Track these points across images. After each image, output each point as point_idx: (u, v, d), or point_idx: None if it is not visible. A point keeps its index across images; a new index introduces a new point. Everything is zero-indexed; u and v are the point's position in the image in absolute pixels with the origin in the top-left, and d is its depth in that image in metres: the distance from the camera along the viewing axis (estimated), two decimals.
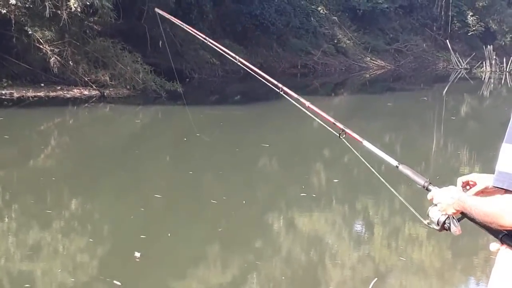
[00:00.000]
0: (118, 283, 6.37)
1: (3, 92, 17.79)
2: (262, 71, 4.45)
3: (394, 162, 3.05)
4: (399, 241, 8.62)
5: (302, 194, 10.08)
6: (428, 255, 8.25)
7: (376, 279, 5.89)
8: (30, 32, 18.25)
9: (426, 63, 39.90)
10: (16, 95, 17.75)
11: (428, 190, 2.81)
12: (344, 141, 3.36)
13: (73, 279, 6.55)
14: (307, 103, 3.59)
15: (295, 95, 3.67)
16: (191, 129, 15.32)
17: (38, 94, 18.07)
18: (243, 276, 7.12)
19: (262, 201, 10.06)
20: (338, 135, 3.35)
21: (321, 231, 9.00)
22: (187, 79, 23.68)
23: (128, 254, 7.04)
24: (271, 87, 4.10)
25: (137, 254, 7.01)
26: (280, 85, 3.82)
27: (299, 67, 31.88)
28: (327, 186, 11.07)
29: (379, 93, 27.13)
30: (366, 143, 3.23)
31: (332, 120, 3.43)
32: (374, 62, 36.49)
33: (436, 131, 18.03)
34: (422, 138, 16.49)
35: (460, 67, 39.23)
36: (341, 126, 3.36)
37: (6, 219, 8.27)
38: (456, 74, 36.94)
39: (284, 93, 3.74)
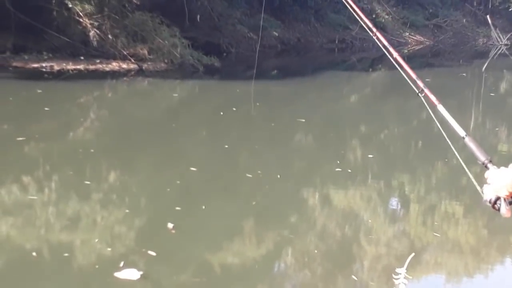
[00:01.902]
0: (153, 253, 6.50)
1: (44, 65, 18.01)
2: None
3: (462, 133, 3.09)
4: (435, 218, 8.59)
5: (337, 169, 10.08)
6: (464, 233, 8.22)
7: (413, 254, 5.90)
8: (70, 6, 18.39)
9: (466, 39, 39.20)
10: (56, 68, 17.95)
11: (486, 168, 2.80)
12: (422, 99, 3.47)
13: (109, 249, 6.70)
14: (395, 54, 3.68)
15: (386, 43, 3.67)
16: (227, 104, 15.40)
17: (78, 67, 18.24)
18: (277, 250, 7.18)
19: (297, 175, 10.08)
20: (417, 93, 3.45)
21: (356, 206, 9.00)
22: (225, 54, 23.67)
23: (164, 226, 7.16)
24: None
25: (170, 225, 7.13)
26: (374, 29, 3.80)
27: (336, 42, 31.57)
28: (363, 162, 11.04)
29: (417, 69, 26.61)
30: (440, 108, 3.29)
31: (414, 77, 3.52)
32: (413, 37, 35.97)
33: (475, 107, 17.80)
34: (460, 115, 16.27)
35: (500, 43, 38.47)
36: (421, 85, 3.44)
37: (46, 190, 8.44)
38: (496, 50, 36.26)
39: (376, 38, 3.72)
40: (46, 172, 9.23)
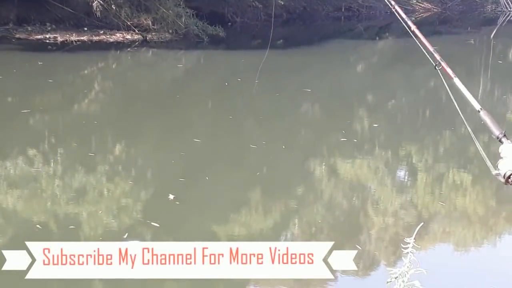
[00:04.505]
0: (157, 224, 6.48)
1: (47, 36, 17.90)
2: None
3: (477, 106, 3.08)
4: (442, 188, 8.52)
5: (342, 139, 10.00)
6: (472, 202, 8.16)
7: (422, 223, 5.86)
8: None
9: (474, 6, 38.74)
10: (59, 39, 17.85)
11: (500, 142, 2.82)
12: (439, 72, 3.42)
13: (113, 221, 6.69)
14: (413, 27, 3.64)
15: (404, 16, 3.70)
16: (232, 74, 15.28)
17: (81, 38, 18.12)
18: (282, 220, 7.13)
19: (302, 146, 10.01)
20: (434, 66, 3.41)
21: (362, 176, 8.94)
22: (229, 23, 23.45)
23: (167, 197, 7.12)
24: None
25: (171, 196, 7.09)
26: (393, 2, 3.77)
27: (343, 10, 31.24)
28: (369, 131, 10.94)
29: (425, 37, 26.55)
30: (456, 80, 3.27)
31: (431, 49, 3.47)
32: (420, 4, 35.59)
33: (483, 75, 17.62)
34: (468, 83, 15.89)
35: (509, 9, 38.03)
36: (438, 57, 3.40)
37: (51, 162, 8.41)
38: (505, 17, 35.85)
39: (395, 11, 3.70)
40: (50, 145, 9.21)
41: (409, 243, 3.71)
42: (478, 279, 6.12)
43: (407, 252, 3.55)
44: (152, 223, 6.50)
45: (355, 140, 10.12)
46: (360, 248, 6.51)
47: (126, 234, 6.21)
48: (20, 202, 7.18)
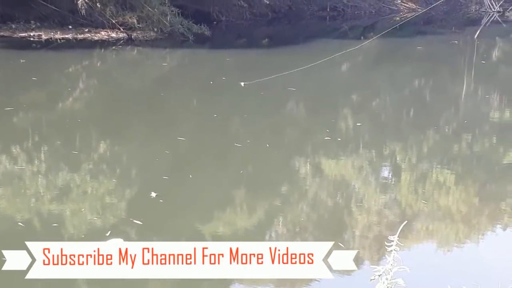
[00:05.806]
0: (139, 222, 6.47)
1: (32, 34, 17.85)
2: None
3: None
4: (426, 186, 8.56)
5: (326, 138, 10.02)
6: (455, 201, 8.20)
7: (406, 222, 5.91)
8: None
9: (458, 6, 38.96)
10: (44, 37, 17.80)
11: None
12: None
13: (96, 218, 6.67)
14: None
15: None
16: (217, 73, 15.26)
17: (66, 36, 18.08)
18: (266, 219, 7.14)
19: (286, 144, 10.03)
20: None
21: (346, 175, 8.97)
22: (215, 22, 23.44)
23: (151, 195, 7.11)
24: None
25: (153, 194, 7.09)
26: None
27: (328, 10, 31.31)
28: (352, 130, 10.97)
29: (409, 37, 26.63)
30: None
31: None
32: (405, 4, 35.71)
33: (467, 75, 17.71)
34: (451, 83, 16.22)
35: (493, 10, 38.25)
36: None
37: (35, 160, 8.38)
38: (489, 17, 36.08)
39: None
40: (34, 142, 9.18)
41: (392, 241, 3.73)
42: (461, 276, 6.15)
43: (391, 250, 3.57)
44: (135, 221, 6.49)
45: (339, 139, 10.15)
46: (343, 246, 6.53)
47: (109, 232, 6.19)
48: (3, 200, 7.14)
